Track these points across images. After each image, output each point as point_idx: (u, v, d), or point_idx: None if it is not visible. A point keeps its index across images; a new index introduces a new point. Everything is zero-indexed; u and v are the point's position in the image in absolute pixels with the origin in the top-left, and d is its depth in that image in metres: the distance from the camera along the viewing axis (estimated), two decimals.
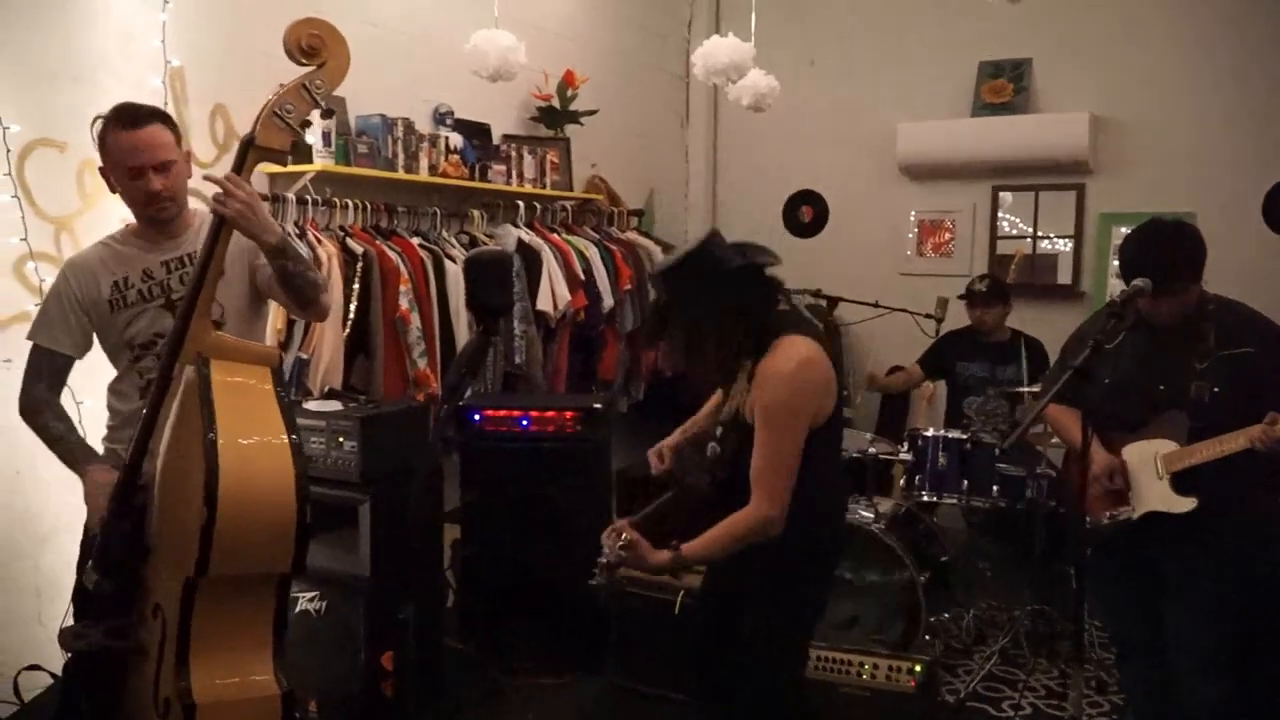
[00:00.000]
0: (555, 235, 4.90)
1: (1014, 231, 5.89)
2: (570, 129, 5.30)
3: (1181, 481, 2.67)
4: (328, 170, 3.87)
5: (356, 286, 3.85)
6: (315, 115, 2.41)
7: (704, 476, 2.58)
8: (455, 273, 4.21)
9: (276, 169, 3.86)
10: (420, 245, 4.20)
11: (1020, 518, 4.27)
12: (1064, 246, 5.75)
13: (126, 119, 2.45)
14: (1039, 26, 5.70)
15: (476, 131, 4.79)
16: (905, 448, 4.39)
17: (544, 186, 5.00)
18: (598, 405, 3.97)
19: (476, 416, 3.94)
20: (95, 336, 2.64)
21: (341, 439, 3.37)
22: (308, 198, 3.85)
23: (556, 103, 5.19)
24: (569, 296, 4.69)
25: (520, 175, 4.87)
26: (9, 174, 3.16)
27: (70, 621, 2.58)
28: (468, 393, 4.14)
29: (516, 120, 5.18)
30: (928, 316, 5.09)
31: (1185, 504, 2.66)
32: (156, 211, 2.54)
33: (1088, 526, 2.86)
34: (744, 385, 2.45)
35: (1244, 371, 2.62)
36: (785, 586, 2.48)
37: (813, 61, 6.27)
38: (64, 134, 3.24)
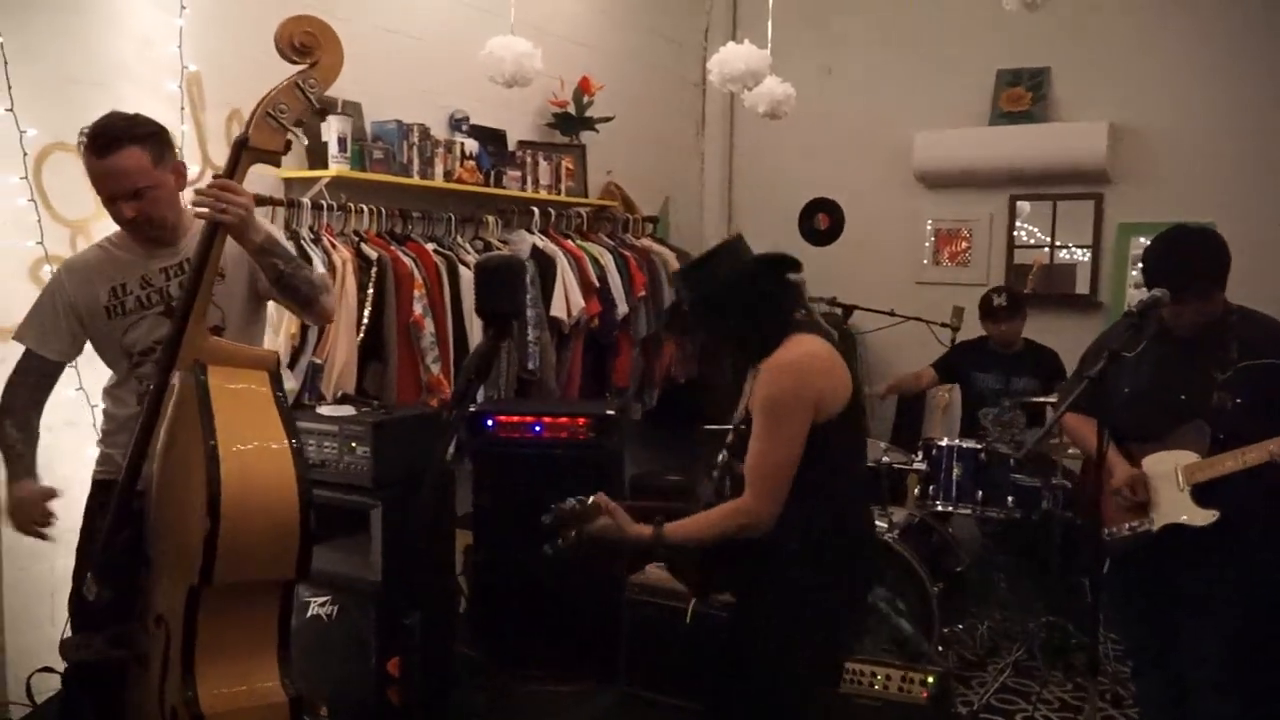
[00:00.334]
0: (570, 242, 4.90)
1: (1031, 241, 5.85)
2: (586, 135, 5.30)
3: (1203, 493, 2.64)
4: (343, 175, 3.88)
5: (371, 292, 3.85)
6: (332, 117, 2.39)
7: (710, 486, 2.55)
8: (469, 278, 4.20)
9: (292, 173, 3.88)
10: (435, 251, 4.20)
11: (1035, 529, 4.24)
12: (1082, 256, 5.71)
13: (98, 144, 2.38)
14: (1057, 35, 5.66)
15: (492, 137, 4.80)
16: (920, 457, 4.37)
17: (559, 193, 5.00)
18: (611, 412, 3.96)
19: (489, 422, 3.94)
20: (89, 343, 2.60)
21: (354, 444, 3.37)
22: (323, 203, 3.86)
23: (572, 109, 5.19)
24: (583, 303, 4.69)
25: (535, 181, 4.87)
26: (25, 178, 3.17)
27: (68, 632, 2.56)
28: (479, 398, 4.14)
29: (532, 126, 5.19)
30: (943, 325, 5.07)
31: (1206, 516, 2.63)
32: (136, 235, 2.50)
33: (1106, 538, 2.83)
34: (751, 385, 2.42)
35: (1267, 383, 2.59)
36: (793, 599, 2.36)
37: (830, 70, 6.25)
38: (80, 147, 3.26)
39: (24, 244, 3.20)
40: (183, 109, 3.54)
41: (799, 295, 2.52)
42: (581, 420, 3.93)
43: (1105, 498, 2.81)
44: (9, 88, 3.12)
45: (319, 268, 3.65)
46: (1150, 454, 2.78)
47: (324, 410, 3.55)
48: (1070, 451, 4.12)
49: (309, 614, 3.44)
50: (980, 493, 4.19)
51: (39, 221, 3.21)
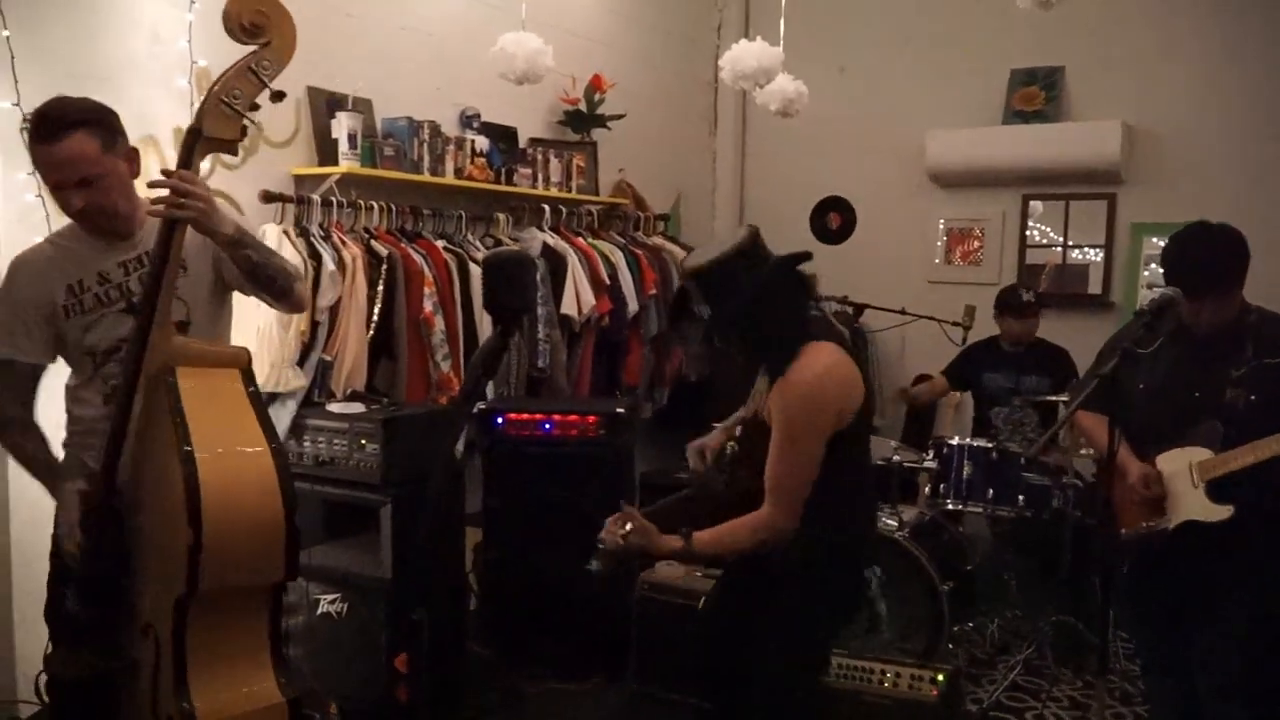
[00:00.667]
0: (580, 239, 4.90)
1: (1044, 241, 5.82)
2: (597, 133, 5.30)
3: (1217, 490, 2.63)
4: (353, 172, 3.89)
5: (381, 289, 3.86)
6: (263, 98, 2.18)
7: (720, 477, 2.55)
8: (479, 276, 4.21)
9: (303, 169, 3.89)
10: (445, 248, 4.20)
11: (1046, 528, 4.22)
12: (1095, 256, 5.68)
13: (43, 130, 2.24)
14: (1071, 34, 5.63)
15: (503, 135, 4.80)
16: (930, 456, 4.35)
17: (570, 190, 5.00)
18: (621, 410, 3.96)
19: (499, 420, 3.94)
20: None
21: (364, 441, 3.38)
22: (333, 199, 3.87)
23: (584, 107, 5.19)
24: (593, 301, 4.68)
25: (546, 179, 4.87)
26: (33, 173, 3.18)
27: (49, 646, 2.47)
28: (488, 395, 4.14)
29: (543, 124, 5.19)
30: (955, 325, 5.04)
31: (1221, 512, 2.61)
32: (87, 227, 2.38)
33: (1122, 537, 2.82)
34: (764, 387, 2.42)
35: None
36: (803, 592, 2.43)
37: (842, 68, 6.23)
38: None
39: (32, 239, 3.18)
40: (192, 104, 3.53)
41: (812, 291, 2.51)
42: (592, 418, 3.93)
43: (1119, 497, 2.80)
44: (16, 83, 3.13)
45: (329, 265, 3.65)
46: (1165, 452, 2.76)
47: (334, 407, 3.56)
48: (1082, 452, 4.10)
49: (319, 611, 3.45)
50: (991, 491, 4.17)
51: (47, 218, 3.20)
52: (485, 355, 2.02)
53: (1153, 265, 5.42)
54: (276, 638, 2.19)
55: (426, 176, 4.23)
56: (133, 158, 2.40)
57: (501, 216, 4.64)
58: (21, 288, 2.41)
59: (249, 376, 2.22)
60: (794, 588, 2.43)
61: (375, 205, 4.02)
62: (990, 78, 5.81)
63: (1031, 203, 5.83)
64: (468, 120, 4.62)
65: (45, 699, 3.04)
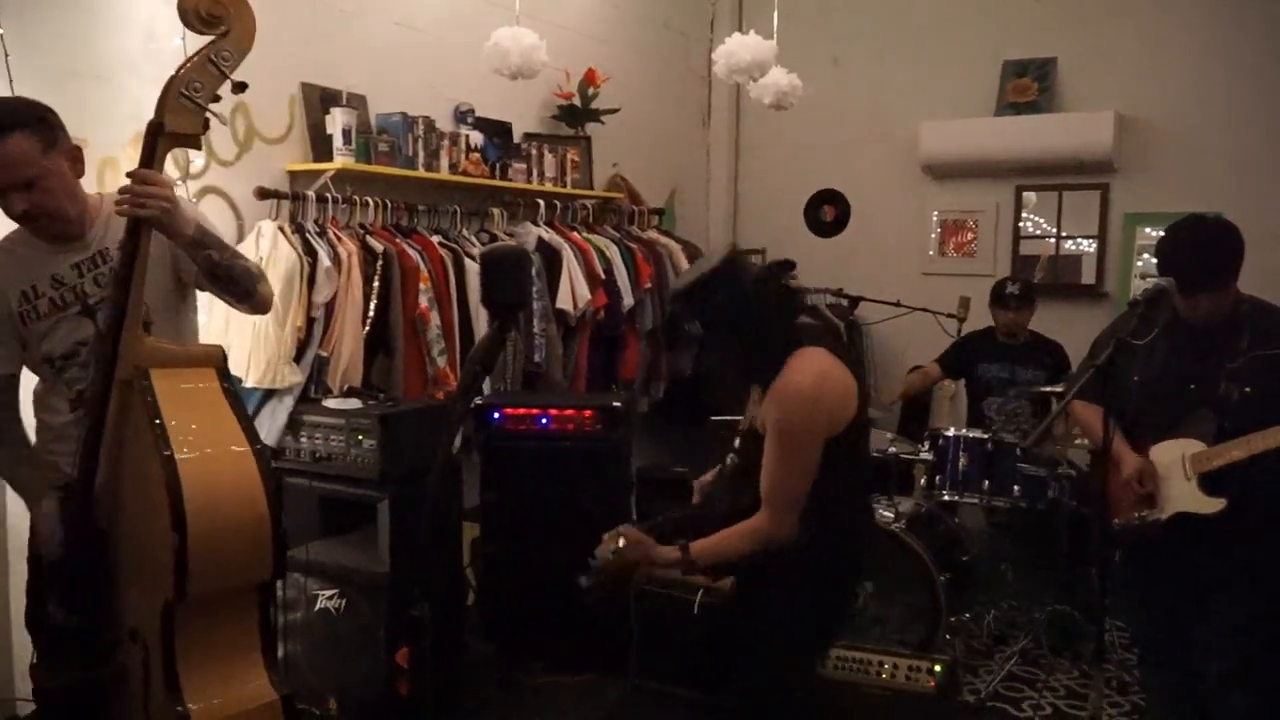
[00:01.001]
0: (575, 234, 4.90)
1: (1037, 231, 5.84)
2: (591, 127, 5.30)
3: (1210, 482, 2.64)
4: (348, 168, 3.88)
5: (376, 284, 3.85)
6: (224, 89, 2.13)
7: (724, 496, 2.54)
8: (475, 271, 4.20)
9: (298, 166, 3.88)
10: (440, 244, 4.20)
11: (1042, 518, 4.24)
12: (1088, 247, 5.70)
13: None
14: (1064, 25, 5.65)
15: (497, 130, 4.80)
16: (926, 447, 4.37)
17: (565, 185, 5.00)
18: (617, 404, 3.96)
19: (496, 415, 3.94)
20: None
21: (361, 437, 3.38)
22: (328, 196, 3.86)
23: (578, 101, 5.19)
24: (589, 295, 4.69)
25: (541, 174, 4.87)
26: None
27: (35, 656, 2.43)
28: (484, 389, 4.14)
29: (537, 119, 5.19)
30: (950, 316, 5.06)
31: (1214, 505, 2.63)
32: (35, 230, 2.31)
33: (1116, 527, 2.83)
34: (757, 396, 2.42)
35: (1276, 373, 2.58)
36: (799, 593, 2.44)
37: (836, 60, 6.24)
38: (85, 133, 3.23)
39: None
40: None
41: (799, 301, 2.52)
42: (588, 412, 3.93)
43: (1113, 487, 2.81)
44: (10, 81, 3.12)
45: (324, 261, 3.65)
46: (1158, 444, 2.77)
47: (330, 403, 3.56)
48: (1077, 442, 4.12)
49: (317, 607, 3.45)
50: (987, 482, 4.19)
51: None
52: (483, 350, 2.01)
53: (1146, 255, 5.44)
54: (267, 635, 2.18)
55: (421, 172, 4.23)
56: (76, 157, 2.35)
57: (496, 211, 4.64)
58: None
59: (224, 374, 2.20)
60: (784, 595, 2.44)
61: (370, 201, 4.01)
62: (983, 69, 5.83)
63: (1025, 193, 5.85)
64: (462, 115, 4.62)
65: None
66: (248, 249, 3.44)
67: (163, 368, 2.10)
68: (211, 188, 3.63)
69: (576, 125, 5.25)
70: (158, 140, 2.09)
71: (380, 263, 3.87)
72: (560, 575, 3.73)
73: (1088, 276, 5.68)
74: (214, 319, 3.40)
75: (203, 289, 2.46)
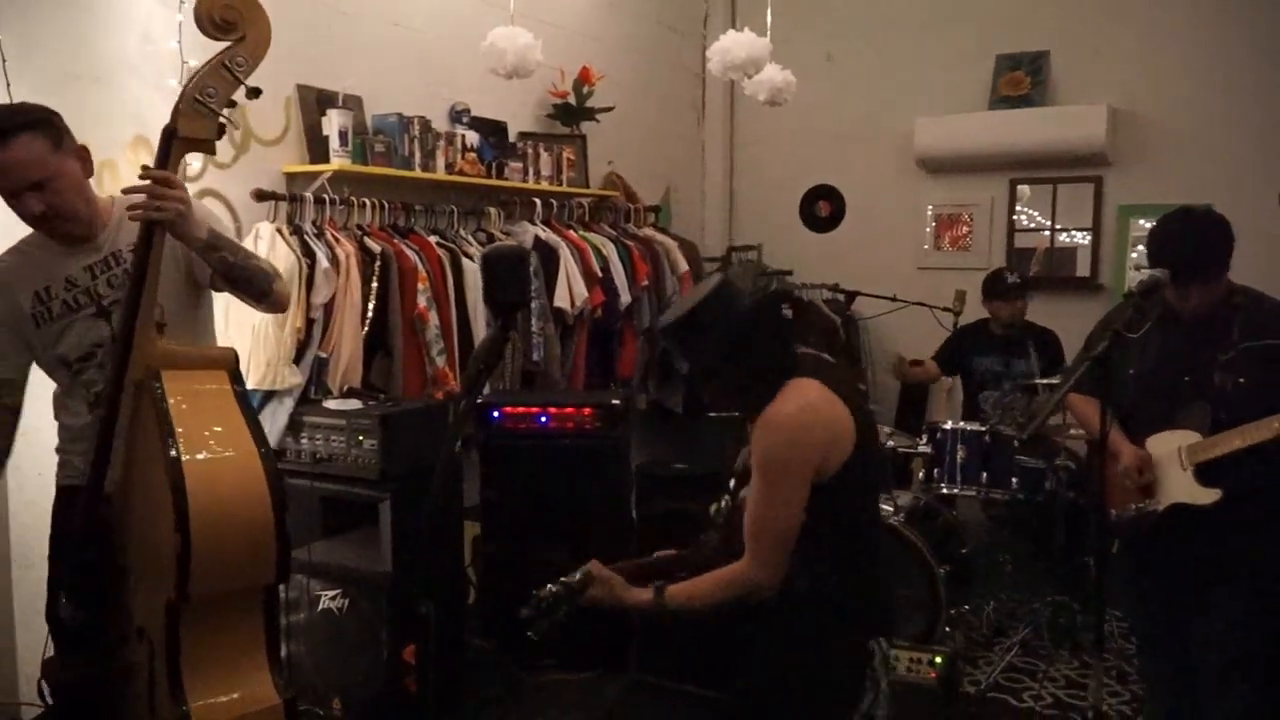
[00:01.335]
0: (572, 232, 4.91)
1: (1032, 225, 5.86)
2: (586, 126, 5.30)
3: (1206, 473, 2.65)
4: (344, 170, 3.89)
5: (375, 285, 3.86)
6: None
7: (713, 535, 2.40)
8: (473, 270, 4.22)
9: (294, 167, 3.89)
10: (438, 244, 4.21)
11: (1040, 510, 4.27)
12: (1082, 239, 5.72)
13: None
14: (1056, 19, 5.67)
15: (493, 129, 4.80)
16: (924, 440, 4.39)
17: (561, 184, 5.01)
18: (616, 402, 3.97)
19: (496, 414, 3.96)
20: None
21: (361, 437, 3.39)
22: (325, 197, 3.87)
23: (573, 100, 5.20)
24: (586, 293, 4.70)
25: (537, 173, 4.88)
26: None
27: (50, 649, 2.47)
28: (484, 389, 4.15)
29: (533, 118, 5.20)
30: (945, 310, 5.08)
31: (1210, 495, 2.64)
32: (48, 231, 2.33)
33: (1113, 519, 2.85)
34: (749, 432, 2.23)
35: (1269, 364, 2.60)
36: (798, 650, 2.20)
37: (829, 56, 6.26)
38: (83, 135, 3.22)
39: None
40: None
41: (793, 330, 2.30)
42: (588, 410, 3.94)
43: (1109, 478, 2.83)
44: (8, 84, 3.13)
45: (322, 262, 3.66)
46: (1154, 435, 2.79)
47: (331, 404, 3.57)
48: (1072, 432, 4.14)
49: (320, 607, 3.46)
50: (985, 475, 4.21)
51: None
52: (486, 349, 2.02)
53: (1140, 247, 5.46)
54: (272, 638, 2.18)
55: (418, 172, 4.23)
56: (84, 157, 2.37)
57: (493, 211, 4.65)
58: None
59: (236, 377, 2.20)
60: (782, 651, 2.22)
61: (367, 202, 4.02)
62: (976, 64, 5.84)
63: (1019, 187, 5.87)
64: (457, 115, 4.63)
65: (47, 701, 3.06)
66: None
67: (174, 369, 2.11)
68: (209, 190, 3.63)
69: (572, 124, 5.26)
70: (172, 144, 2.11)
71: (378, 263, 3.88)
72: (561, 573, 3.78)
73: (1082, 269, 5.71)
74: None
75: (218, 290, 2.49)
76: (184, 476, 1.97)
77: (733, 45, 4.41)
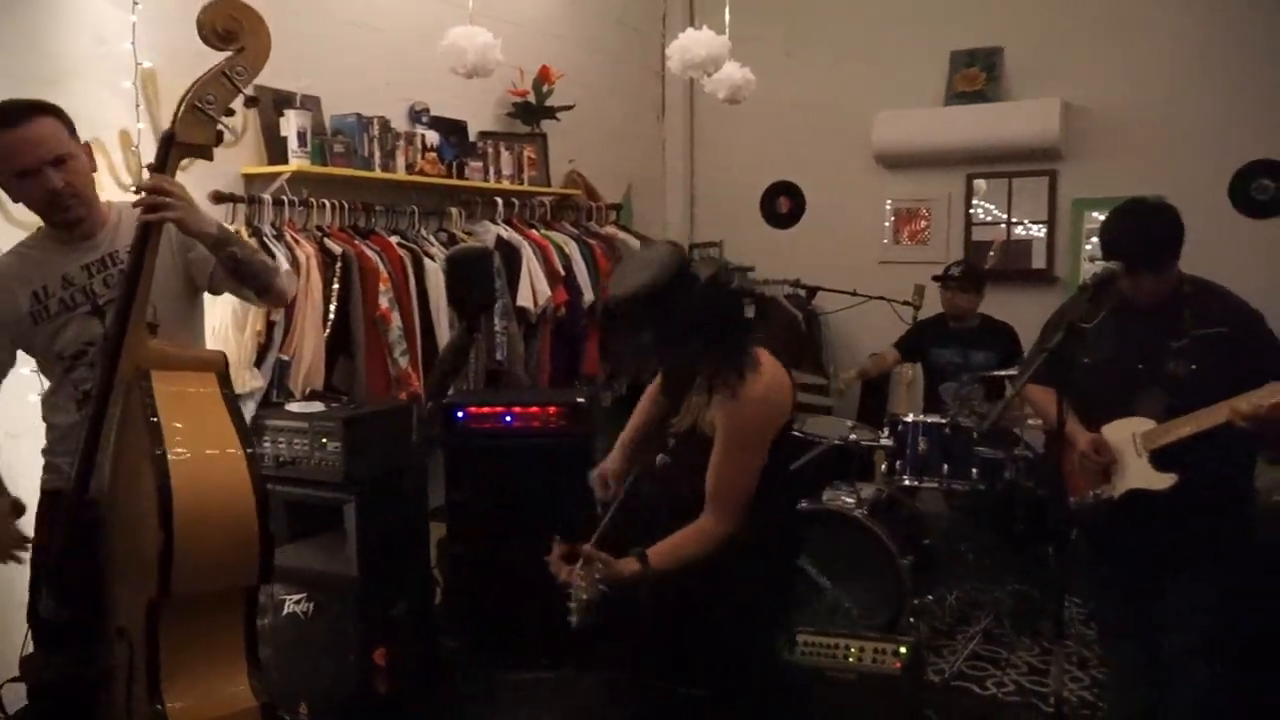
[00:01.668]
0: (534, 231, 4.91)
1: (988, 218, 5.94)
2: (547, 125, 5.30)
3: (1161, 459, 2.71)
4: (303, 170, 3.86)
5: (336, 287, 3.85)
6: (238, 103, 2.26)
7: (656, 491, 2.47)
8: (435, 271, 4.22)
9: (253, 169, 3.86)
10: (399, 244, 4.20)
11: (1000, 499, 4.32)
12: (1038, 232, 5.80)
13: (9, 116, 2.28)
14: (1009, 15, 5.75)
15: (453, 129, 4.79)
16: (886, 433, 4.43)
17: (522, 183, 5.01)
18: (581, 400, 3.98)
19: (460, 414, 3.94)
20: (20, 350, 2.50)
21: (325, 440, 3.37)
22: (284, 198, 3.84)
23: (533, 98, 5.19)
24: (549, 292, 4.70)
25: (498, 172, 4.87)
26: None
27: (29, 649, 2.46)
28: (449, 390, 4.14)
29: (493, 117, 5.19)
30: (905, 304, 5.13)
31: (1165, 480, 2.69)
32: (63, 213, 2.37)
33: (1072, 506, 2.90)
34: (703, 399, 2.39)
35: (1219, 351, 2.66)
36: (749, 581, 2.42)
37: (788, 53, 6.29)
38: None
39: None
40: (138, 106, 3.50)
41: (741, 303, 2.54)
42: (553, 409, 3.94)
43: (1068, 466, 2.88)
44: None
45: (282, 264, 3.63)
46: (1110, 423, 2.84)
47: (293, 407, 3.55)
48: (1030, 422, 4.20)
49: (285, 612, 3.44)
50: (946, 466, 4.25)
51: None
52: (453, 351, 2.03)
53: (1094, 239, 5.54)
54: (251, 641, 2.20)
55: (378, 173, 4.22)
56: (89, 154, 2.47)
57: (454, 211, 4.64)
58: None
59: (224, 380, 2.24)
60: (735, 584, 2.40)
61: (327, 203, 4.00)
62: (932, 60, 5.91)
63: (975, 181, 5.94)
64: (417, 115, 4.61)
65: (7, 713, 3.02)
66: None
67: (164, 370, 2.16)
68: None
69: (532, 122, 5.25)
70: (170, 149, 2.18)
71: (339, 265, 3.86)
72: (528, 571, 3.78)
73: (1038, 261, 5.79)
74: None
75: (217, 291, 2.55)
76: (169, 474, 1.99)
77: (692, 43, 4.42)
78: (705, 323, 2.33)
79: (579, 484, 3.94)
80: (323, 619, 3.39)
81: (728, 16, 4.77)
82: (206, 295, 2.66)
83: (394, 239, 4.21)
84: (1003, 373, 4.45)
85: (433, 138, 4.54)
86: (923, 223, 6.13)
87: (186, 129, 2.15)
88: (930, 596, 4.33)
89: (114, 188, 3.40)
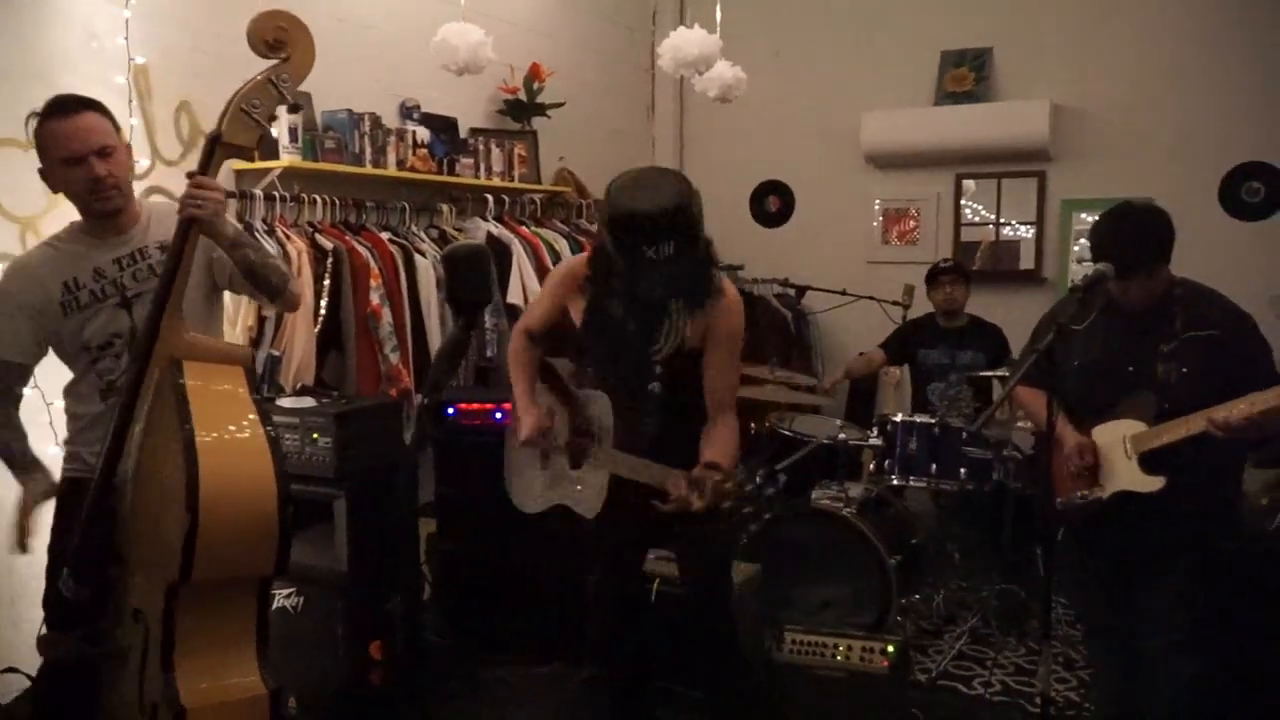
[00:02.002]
0: (524, 228, 4.91)
1: (977, 219, 5.96)
2: (537, 122, 5.30)
3: (1150, 462, 2.73)
4: (295, 166, 3.86)
5: (327, 282, 3.85)
6: (280, 110, 2.41)
7: (649, 421, 2.67)
8: (425, 267, 4.22)
9: (244, 165, 3.85)
10: (390, 240, 4.19)
11: (988, 500, 4.34)
12: (1026, 233, 5.83)
13: (59, 108, 2.39)
14: (999, 16, 5.77)
15: (444, 125, 4.79)
16: (874, 433, 4.44)
17: (512, 180, 5.01)
18: None
19: (450, 411, 3.95)
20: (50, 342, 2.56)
21: (316, 435, 3.36)
22: (275, 194, 3.84)
23: (523, 96, 5.20)
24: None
25: (489, 169, 4.87)
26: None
27: (44, 629, 2.50)
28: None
29: (483, 114, 5.18)
30: (894, 304, 5.15)
31: (1154, 483, 2.71)
32: (103, 202, 2.45)
33: (1060, 507, 2.91)
34: (684, 319, 2.61)
35: (1210, 354, 2.67)
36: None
37: (777, 53, 6.30)
38: (26, 133, 3.21)
39: None
40: (130, 101, 3.50)
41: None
42: None
43: (1056, 468, 2.89)
44: None
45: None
46: (1100, 425, 2.86)
47: (284, 402, 3.53)
48: (1019, 424, 4.22)
49: (274, 606, 3.43)
50: (934, 466, 4.27)
51: None
52: (450, 347, 2.05)
53: (1083, 240, 5.57)
54: (263, 630, 2.25)
55: (369, 169, 4.21)
56: (130, 153, 2.57)
57: (445, 207, 4.63)
58: (14, 290, 2.51)
59: (250, 373, 2.32)
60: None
61: (318, 199, 3.99)
62: (922, 60, 5.93)
63: (964, 182, 5.96)
64: (408, 112, 4.61)
65: (0, 703, 3.03)
66: None
67: (196, 360, 2.24)
68: (157, 188, 3.59)
69: (523, 120, 5.25)
70: (215, 149, 2.27)
71: (330, 261, 3.86)
72: (517, 567, 3.79)
73: (1026, 262, 5.81)
74: None
75: (234, 290, 2.64)
76: (198, 458, 2.05)
77: (683, 42, 4.43)
78: (703, 240, 2.63)
79: None
80: (312, 614, 3.38)
81: (718, 15, 4.78)
82: None
83: (385, 235, 4.21)
84: (990, 373, 4.47)
85: (424, 134, 4.53)
86: (912, 223, 6.15)
87: (233, 131, 2.25)
88: (917, 596, 4.35)
89: None
